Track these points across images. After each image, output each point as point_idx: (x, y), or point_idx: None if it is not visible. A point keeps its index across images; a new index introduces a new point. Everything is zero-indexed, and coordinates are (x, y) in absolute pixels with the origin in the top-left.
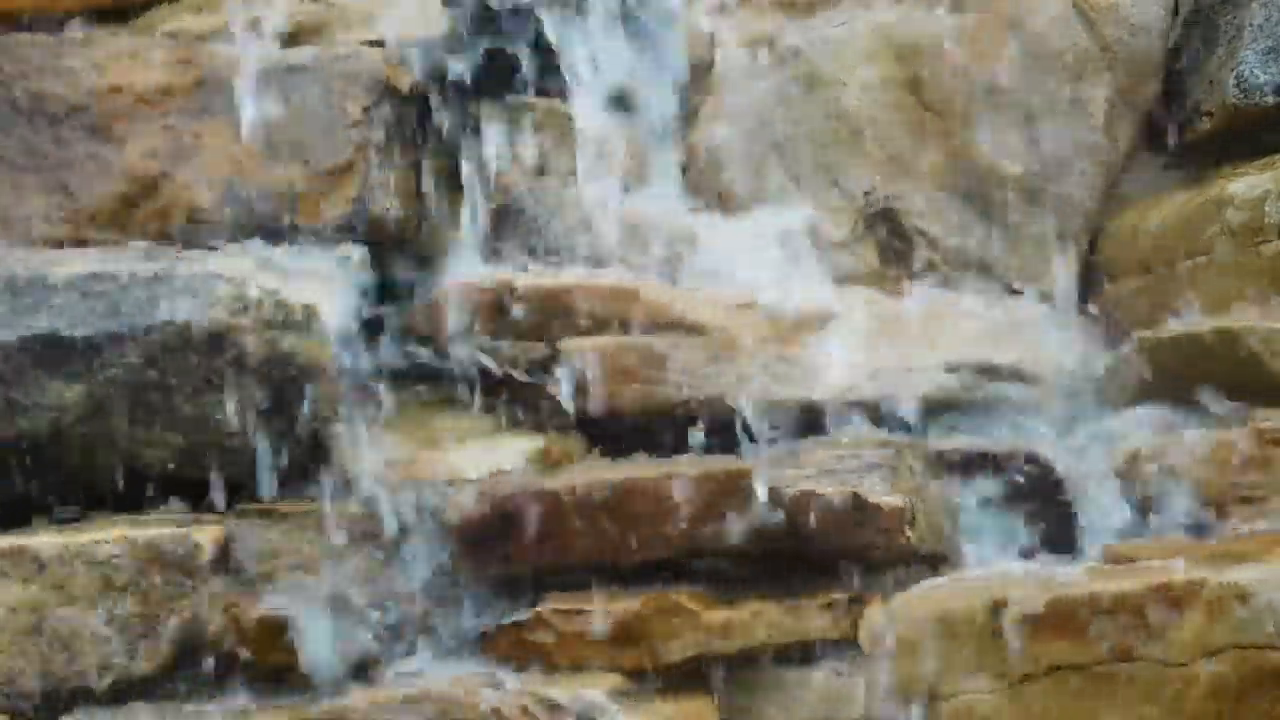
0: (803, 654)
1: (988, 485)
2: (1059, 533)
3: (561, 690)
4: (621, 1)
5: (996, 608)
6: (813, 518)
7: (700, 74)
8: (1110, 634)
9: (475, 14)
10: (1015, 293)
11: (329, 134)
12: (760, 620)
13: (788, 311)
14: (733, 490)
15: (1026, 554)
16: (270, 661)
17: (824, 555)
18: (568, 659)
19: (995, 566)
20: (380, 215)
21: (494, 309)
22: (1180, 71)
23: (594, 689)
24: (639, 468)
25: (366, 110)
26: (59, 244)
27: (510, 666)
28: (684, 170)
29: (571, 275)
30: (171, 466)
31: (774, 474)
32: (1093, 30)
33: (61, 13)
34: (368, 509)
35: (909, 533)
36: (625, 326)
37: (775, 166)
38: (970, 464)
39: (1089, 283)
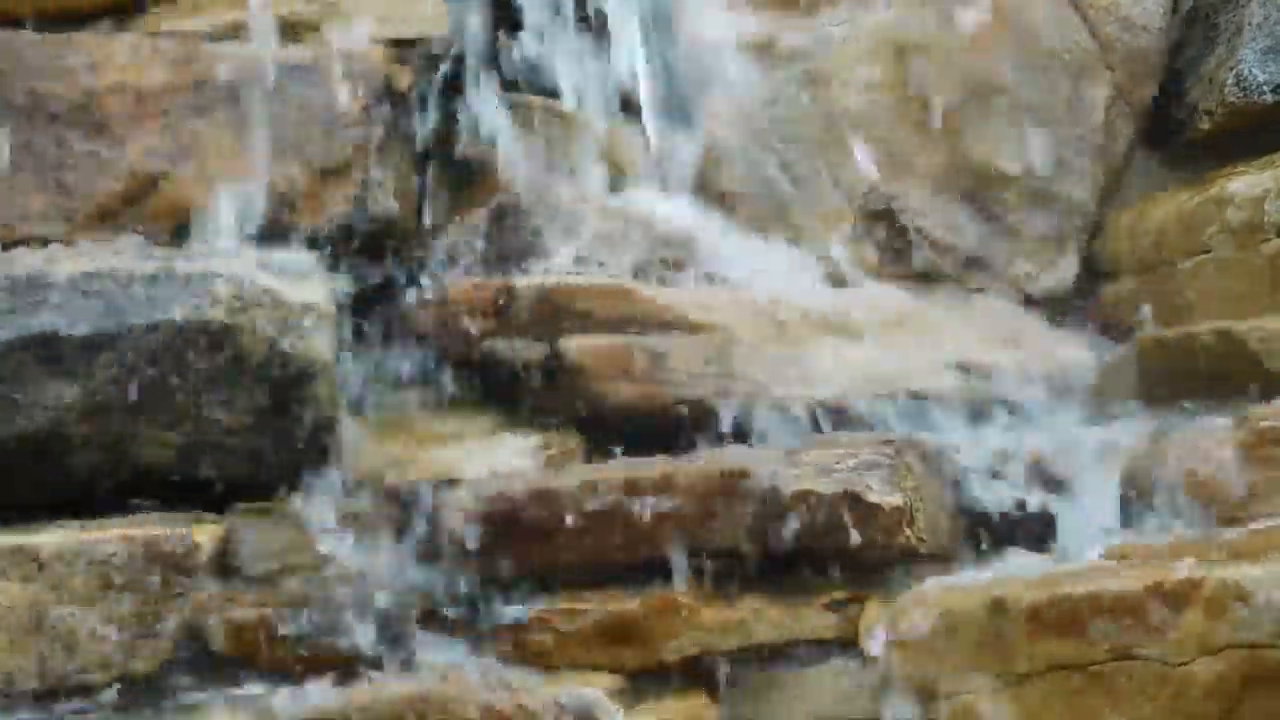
0: (803, 654)
1: (987, 484)
2: (1059, 532)
3: (561, 690)
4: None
5: (996, 607)
6: (812, 517)
7: (700, 74)
8: (1110, 634)
9: (474, 14)
10: (1015, 292)
11: (328, 133)
12: (760, 620)
13: (787, 311)
14: (732, 489)
15: (1027, 553)
16: (270, 661)
17: (824, 555)
18: (567, 659)
19: (995, 566)
20: (380, 214)
21: (494, 308)
22: (1180, 71)
23: (594, 689)
24: (639, 467)
25: (366, 109)
26: (58, 243)
27: (510, 666)
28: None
29: (571, 275)
30: (171, 466)
31: (774, 473)
32: (1092, 29)
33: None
34: (367, 508)
35: (909, 532)
36: (625, 326)
37: (775, 166)
38: (970, 463)
39: (1089, 282)
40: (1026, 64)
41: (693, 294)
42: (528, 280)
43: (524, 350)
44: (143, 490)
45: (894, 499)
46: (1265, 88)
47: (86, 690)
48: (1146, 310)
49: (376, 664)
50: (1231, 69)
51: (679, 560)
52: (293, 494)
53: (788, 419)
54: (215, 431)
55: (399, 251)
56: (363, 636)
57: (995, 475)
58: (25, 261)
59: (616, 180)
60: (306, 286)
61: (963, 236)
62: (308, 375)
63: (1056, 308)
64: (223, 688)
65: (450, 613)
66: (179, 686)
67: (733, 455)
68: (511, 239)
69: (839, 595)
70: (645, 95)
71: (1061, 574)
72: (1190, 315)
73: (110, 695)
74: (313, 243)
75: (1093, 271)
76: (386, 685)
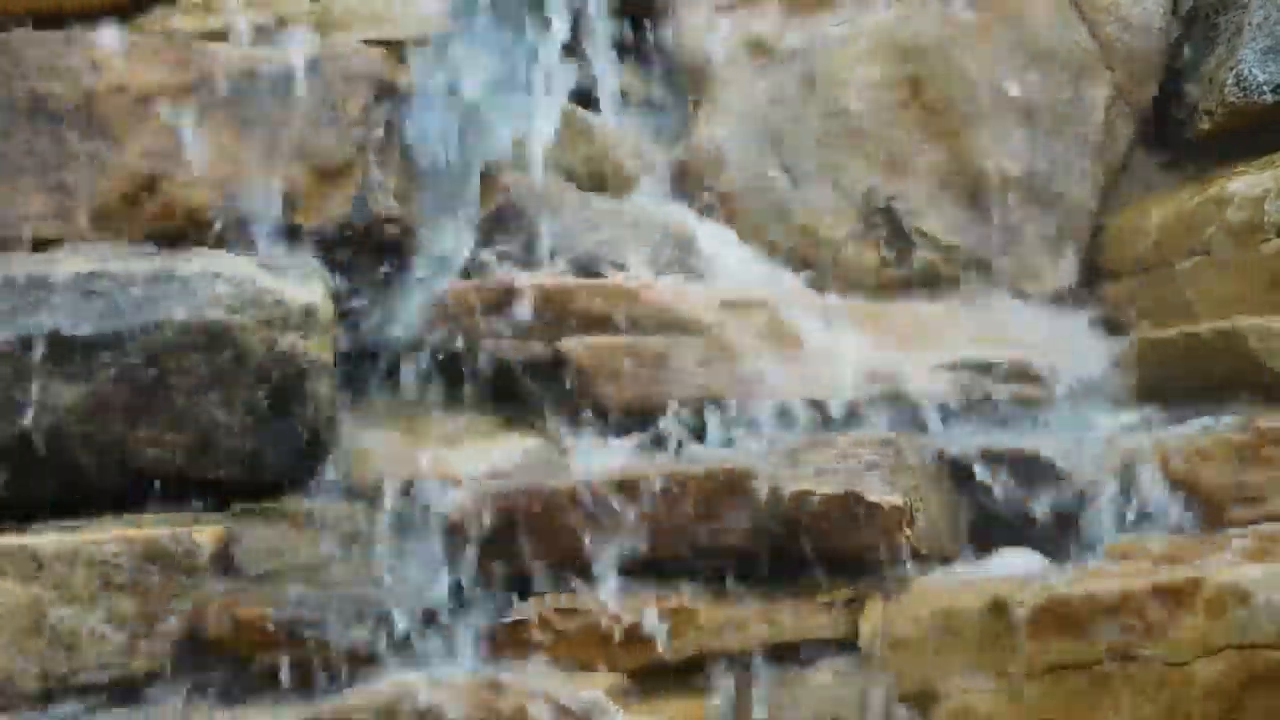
0: (803, 654)
1: (987, 484)
2: (1059, 532)
3: (561, 690)
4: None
5: (996, 607)
6: (812, 517)
7: (699, 74)
8: (1110, 634)
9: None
10: (1015, 292)
11: (329, 133)
12: (760, 620)
13: (787, 311)
14: (733, 490)
15: (1027, 553)
16: (270, 660)
17: (824, 555)
18: (567, 658)
19: (995, 566)
20: (379, 214)
21: (494, 308)
22: (1180, 71)
23: (594, 689)
24: (639, 467)
25: (366, 110)
26: (59, 243)
27: (510, 666)
28: (684, 170)
29: (571, 275)
30: (172, 466)
31: (774, 473)
32: (1092, 29)
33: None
34: (367, 508)
35: (908, 532)
36: (625, 326)
37: (775, 166)
38: (970, 463)
39: (1089, 282)
40: (1026, 64)
41: (693, 294)
42: (529, 280)
43: (525, 350)
44: (143, 490)
45: (894, 499)
46: (1265, 88)
47: (86, 690)
48: (1146, 310)
49: (376, 664)
50: (1231, 69)
51: (680, 560)
52: (293, 494)
53: (788, 419)
54: (215, 431)
55: (400, 251)
56: (362, 636)
57: (994, 475)
58: (25, 261)
59: (617, 181)
60: (306, 287)
61: (963, 236)
62: (307, 375)
63: (1056, 308)
64: (223, 688)
65: (449, 612)
66: (179, 687)
67: (733, 456)
68: (514, 239)
69: (839, 595)
70: (644, 95)
71: (1061, 574)
72: (1190, 315)
73: (110, 695)
74: (313, 243)
75: (1093, 271)
76: (386, 686)
